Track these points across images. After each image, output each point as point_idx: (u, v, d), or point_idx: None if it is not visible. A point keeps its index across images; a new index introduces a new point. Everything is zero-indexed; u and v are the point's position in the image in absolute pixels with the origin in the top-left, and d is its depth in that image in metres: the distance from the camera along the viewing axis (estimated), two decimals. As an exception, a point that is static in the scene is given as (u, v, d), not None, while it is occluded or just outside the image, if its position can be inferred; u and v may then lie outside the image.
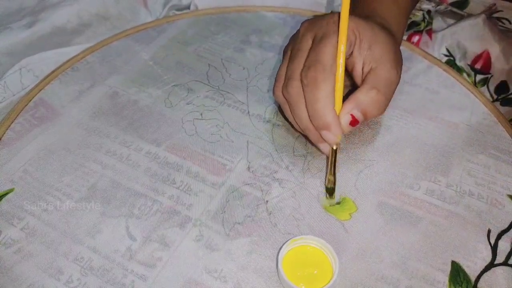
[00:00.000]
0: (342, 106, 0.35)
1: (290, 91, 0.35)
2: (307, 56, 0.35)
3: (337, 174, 0.38)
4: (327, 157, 0.37)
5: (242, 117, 0.43)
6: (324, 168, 0.39)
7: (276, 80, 0.38)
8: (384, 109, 0.37)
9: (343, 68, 0.35)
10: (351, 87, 0.41)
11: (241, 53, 0.50)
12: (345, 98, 0.36)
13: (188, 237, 0.34)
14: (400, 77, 0.37)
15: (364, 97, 0.35)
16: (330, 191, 0.36)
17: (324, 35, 0.35)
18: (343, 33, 0.34)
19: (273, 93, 0.38)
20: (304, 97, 0.35)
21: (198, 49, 0.50)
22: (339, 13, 0.36)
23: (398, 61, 0.37)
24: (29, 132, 0.40)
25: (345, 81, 0.35)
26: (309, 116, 0.35)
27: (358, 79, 0.37)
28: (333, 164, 0.36)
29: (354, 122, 0.36)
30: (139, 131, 0.41)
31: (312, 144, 0.39)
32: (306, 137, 0.39)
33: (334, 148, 0.36)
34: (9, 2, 0.53)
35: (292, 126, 0.39)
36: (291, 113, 0.37)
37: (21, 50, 0.48)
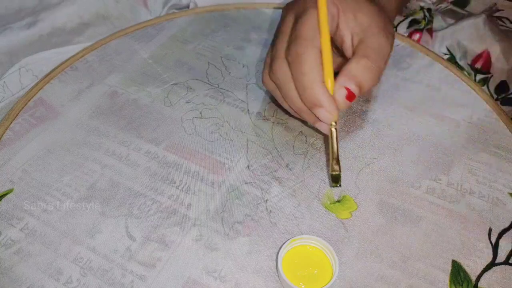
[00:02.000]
0: (334, 80, 0.34)
1: (275, 71, 0.35)
2: (289, 35, 0.34)
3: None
4: (328, 141, 0.35)
5: (242, 116, 0.42)
6: (324, 166, 0.38)
7: (264, 67, 0.37)
8: (378, 78, 0.35)
9: (327, 37, 0.33)
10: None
11: (241, 51, 0.49)
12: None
13: (187, 236, 0.34)
14: (391, 45, 0.36)
15: (355, 66, 0.34)
16: (336, 179, 0.34)
17: (304, 10, 0.34)
18: (322, 3, 0.34)
19: (262, 81, 0.38)
20: (292, 75, 0.34)
21: (198, 47, 0.50)
22: None
23: (387, 29, 0.36)
24: (28, 132, 0.40)
25: (337, 58, 0.34)
26: (299, 95, 0.34)
27: (348, 53, 0.36)
28: (333, 147, 0.34)
29: (350, 96, 0.33)
30: (138, 130, 0.41)
31: (313, 128, 0.38)
32: (301, 119, 0.38)
33: (333, 129, 0.34)
34: (10, 2, 0.53)
35: (285, 111, 0.38)
36: (282, 95, 0.36)
37: (21, 50, 0.48)
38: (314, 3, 0.34)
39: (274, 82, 0.36)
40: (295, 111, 0.36)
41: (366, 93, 0.35)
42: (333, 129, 0.34)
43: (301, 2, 0.36)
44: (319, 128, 0.36)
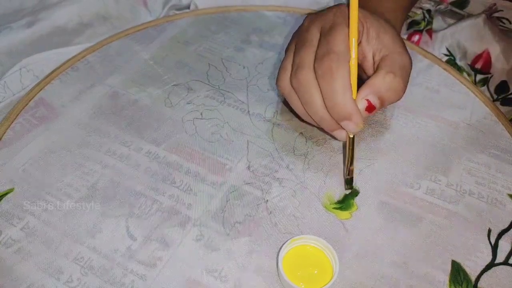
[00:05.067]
0: (357, 92, 0.35)
1: (301, 79, 0.34)
2: (318, 47, 0.35)
3: (338, 174, 0.38)
4: (344, 147, 0.37)
5: (242, 117, 0.43)
6: (324, 167, 0.38)
7: (281, 70, 0.37)
8: (402, 94, 0.36)
9: (356, 54, 0.34)
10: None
11: (241, 53, 0.50)
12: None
13: (188, 236, 0.34)
14: (412, 62, 0.37)
15: (381, 82, 0.35)
16: (350, 182, 0.36)
17: (334, 24, 0.35)
18: (354, 20, 0.34)
19: (277, 83, 0.38)
20: (320, 88, 0.34)
21: (198, 49, 0.50)
22: (344, 5, 0.36)
23: (407, 49, 0.37)
24: (29, 132, 0.40)
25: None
26: (326, 106, 0.34)
27: (368, 69, 0.37)
28: (351, 153, 0.36)
29: (370, 108, 0.35)
30: (139, 130, 0.41)
31: (324, 131, 0.39)
32: (316, 126, 0.39)
33: (351, 136, 0.35)
34: (9, 2, 0.53)
35: (297, 116, 0.39)
36: (302, 103, 0.36)
37: (21, 50, 0.48)
38: (343, 18, 0.35)
39: (295, 89, 0.36)
40: (312, 118, 0.36)
41: (386, 107, 0.37)
42: (351, 136, 0.36)
43: (328, 15, 0.36)
44: (336, 136, 0.37)
